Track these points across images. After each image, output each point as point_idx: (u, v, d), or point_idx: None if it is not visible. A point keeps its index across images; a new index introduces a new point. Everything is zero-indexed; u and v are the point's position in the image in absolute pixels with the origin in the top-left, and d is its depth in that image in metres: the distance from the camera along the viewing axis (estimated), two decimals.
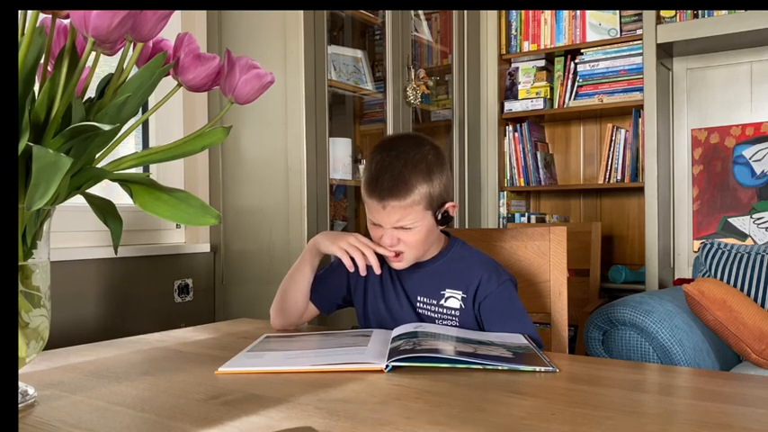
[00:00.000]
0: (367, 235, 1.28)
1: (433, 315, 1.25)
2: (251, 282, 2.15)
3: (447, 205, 1.21)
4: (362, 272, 1.21)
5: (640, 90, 2.75)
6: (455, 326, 1.23)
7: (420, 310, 1.26)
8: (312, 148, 2.05)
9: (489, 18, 3.09)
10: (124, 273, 1.94)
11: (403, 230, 1.18)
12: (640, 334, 1.94)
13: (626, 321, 1.96)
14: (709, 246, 2.45)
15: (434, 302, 1.25)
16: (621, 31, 2.85)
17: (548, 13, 3.01)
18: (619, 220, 3.08)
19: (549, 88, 3.04)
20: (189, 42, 0.85)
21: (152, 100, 1.88)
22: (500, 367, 0.94)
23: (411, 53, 2.55)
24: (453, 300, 1.24)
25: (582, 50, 2.94)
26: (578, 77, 2.95)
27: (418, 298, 1.27)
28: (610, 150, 2.90)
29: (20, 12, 0.72)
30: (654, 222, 2.65)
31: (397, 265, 1.23)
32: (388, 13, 2.45)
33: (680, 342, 1.90)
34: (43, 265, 0.81)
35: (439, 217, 1.20)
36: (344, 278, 1.33)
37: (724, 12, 2.56)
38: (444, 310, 1.24)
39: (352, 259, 1.22)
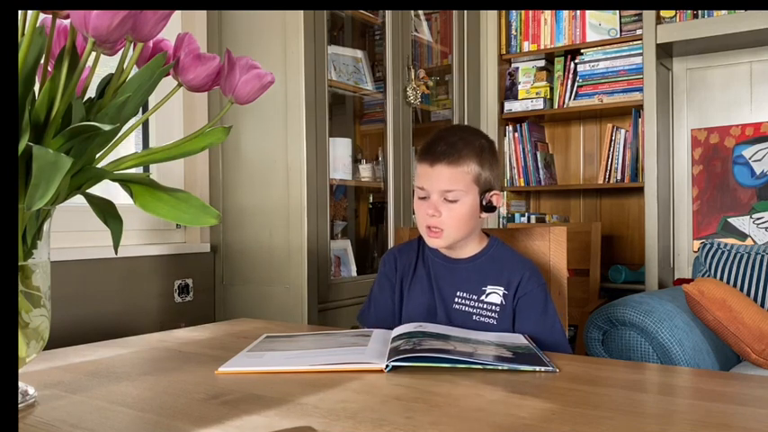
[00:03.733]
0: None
1: (471, 310, 1.26)
2: (251, 282, 2.15)
3: (493, 192, 1.24)
4: None
5: (640, 90, 2.75)
6: (494, 321, 1.25)
7: (457, 306, 1.27)
8: (312, 148, 2.05)
9: (489, 18, 3.09)
10: (124, 273, 1.94)
11: (446, 204, 1.21)
12: (640, 334, 1.94)
13: (626, 321, 1.96)
14: (708, 246, 2.45)
15: (474, 298, 1.26)
16: (621, 31, 2.85)
17: (548, 13, 3.01)
18: (619, 220, 3.08)
19: (548, 88, 3.04)
20: (189, 42, 0.85)
21: (152, 100, 1.88)
22: (500, 367, 0.94)
23: (411, 53, 2.55)
24: (495, 295, 1.25)
25: (582, 50, 2.94)
26: (578, 77, 2.95)
27: (457, 293, 1.28)
28: (610, 150, 2.90)
29: (20, 12, 0.72)
30: (654, 222, 2.65)
31: (436, 242, 1.24)
32: (388, 13, 2.45)
33: (680, 342, 1.90)
34: (43, 265, 0.81)
35: (484, 202, 1.23)
36: (393, 283, 1.36)
37: (724, 12, 2.56)
38: (484, 306, 1.25)
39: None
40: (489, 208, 1.24)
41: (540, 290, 1.26)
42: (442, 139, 1.23)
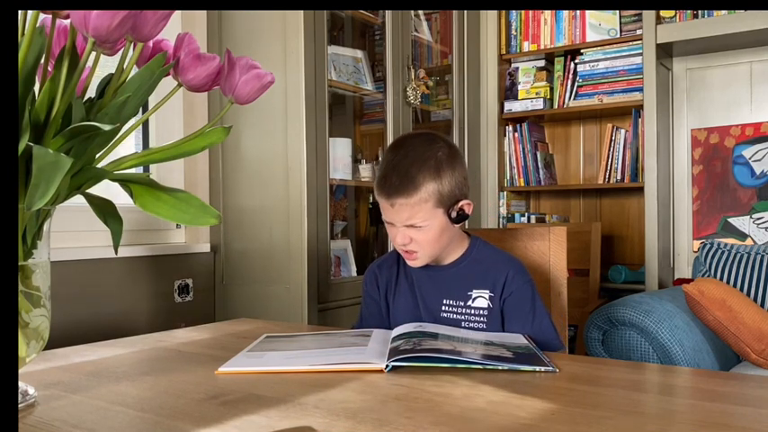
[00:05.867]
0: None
1: (459, 317, 1.24)
2: (251, 282, 2.15)
3: (461, 203, 1.20)
4: None
5: (640, 90, 2.75)
6: (483, 326, 1.23)
7: (444, 314, 1.25)
8: (312, 148, 2.05)
9: (489, 18, 3.09)
10: (124, 273, 1.94)
11: (414, 229, 1.18)
12: (640, 334, 1.94)
13: (626, 321, 1.96)
14: (708, 246, 2.45)
15: (461, 304, 1.24)
16: (621, 31, 2.85)
17: (548, 14, 3.01)
18: (619, 220, 3.08)
19: (548, 88, 3.04)
20: (189, 42, 0.85)
21: (152, 100, 1.88)
22: (500, 367, 0.94)
23: (411, 53, 2.55)
24: (481, 299, 1.24)
25: (582, 50, 2.93)
26: (578, 77, 2.95)
27: (444, 301, 1.26)
28: (610, 150, 2.90)
29: (20, 12, 0.72)
30: (654, 222, 2.65)
31: (413, 263, 1.23)
32: (388, 13, 2.45)
33: (680, 342, 1.90)
34: (43, 265, 0.81)
35: (453, 215, 1.19)
36: (378, 302, 1.35)
37: (724, 12, 2.56)
38: (472, 311, 1.24)
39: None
40: (461, 218, 1.21)
41: (526, 287, 1.23)
42: (394, 169, 1.17)
